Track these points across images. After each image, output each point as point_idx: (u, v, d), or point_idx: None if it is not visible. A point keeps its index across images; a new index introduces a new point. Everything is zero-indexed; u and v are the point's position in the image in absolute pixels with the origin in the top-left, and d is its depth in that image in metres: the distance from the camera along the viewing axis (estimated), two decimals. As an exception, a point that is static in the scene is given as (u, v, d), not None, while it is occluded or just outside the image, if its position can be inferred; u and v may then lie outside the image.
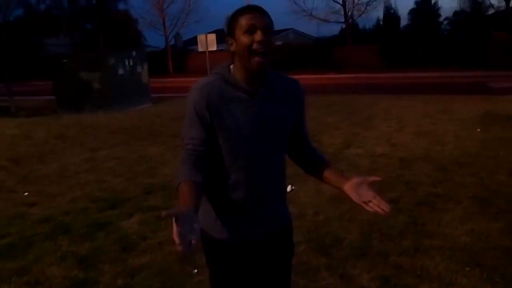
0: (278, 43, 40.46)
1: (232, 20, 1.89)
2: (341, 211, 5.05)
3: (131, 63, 16.68)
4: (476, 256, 3.92)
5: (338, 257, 3.99)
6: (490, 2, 35.51)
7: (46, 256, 4.29)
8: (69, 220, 5.21)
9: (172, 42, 44.93)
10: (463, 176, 6.22)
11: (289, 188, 5.51)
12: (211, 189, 2.02)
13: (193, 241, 1.54)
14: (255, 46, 1.83)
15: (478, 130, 9.23)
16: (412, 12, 37.92)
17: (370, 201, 1.90)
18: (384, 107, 13.23)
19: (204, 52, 20.88)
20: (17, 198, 6.13)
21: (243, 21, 1.84)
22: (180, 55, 41.86)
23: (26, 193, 6.30)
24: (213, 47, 20.44)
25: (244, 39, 1.84)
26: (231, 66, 1.98)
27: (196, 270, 3.85)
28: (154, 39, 64.33)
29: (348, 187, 1.97)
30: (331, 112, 12.45)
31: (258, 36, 1.83)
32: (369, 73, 28.85)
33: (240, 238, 2.06)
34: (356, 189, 1.94)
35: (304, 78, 25.45)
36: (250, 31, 1.83)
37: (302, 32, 50.39)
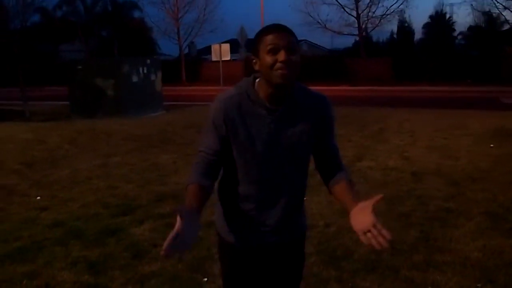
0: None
1: (257, 39, 1.92)
2: (352, 224, 5.02)
3: (145, 71, 16.80)
4: (488, 272, 3.89)
5: (348, 269, 3.97)
6: (505, 18, 35.23)
7: (57, 260, 4.32)
8: (80, 225, 5.24)
9: (186, 51, 45.21)
10: (476, 191, 6.18)
11: None
12: (224, 195, 2.15)
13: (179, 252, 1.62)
14: (277, 65, 1.84)
15: (491, 145, 9.17)
16: (426, 26, 37.80)
17: (369, 231, 1.70)
18: (397, 120, 13.20)
19: (217, 62, 21.01)
20: (30, 202, 6.18)
21: (267, 41, 1.87)
22: (194, 64, 42.04)
23: (38, 197, 6.35)
24: (227, 57, 20.56)
25: (268, 59, 1.86)
26: (257, 81, 2.00)
27: (206, 279, 3.86)
28: (168, 48, 64.86)
29: (352, 213, 1.83)
30: (343, 124, 12.42)
31: (281, 56, 1.84)
32: (382, 86, 28.81)
33: (248, 244, 2.14)
34: (357, 215, 1.79)
35: (316, 89, 25.36)
36: (274, 50, 1.85)
37: (316, 44, 50.45)
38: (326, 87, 27.55)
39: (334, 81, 32.72)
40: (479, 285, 3.68)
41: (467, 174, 7.08)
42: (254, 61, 1.95)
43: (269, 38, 1.87)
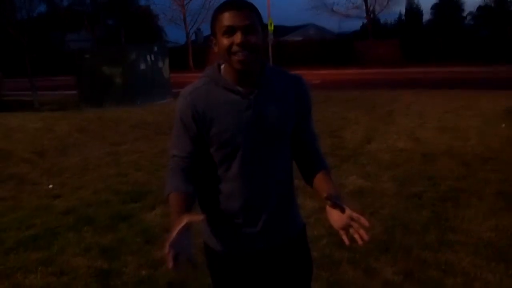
0: (298, 38, 40.40)
1: (213, 19, 1.75)
2: (364, 205, 5.02)
3: (152, 58, 16.77)
4: (501, 251, 3.88)
5: (361, 250, 3.96)
6: (514, -4, 34.82)
7: (70, 247, 4.36)
8: (92, 212, 5.28)
9: (193, 38, 45.09)
10: (487, 171, 6.14)
11: None
12: (205, 200, 1.91)
13: (183, 258, 1.49)
14: (234, 49, 1.68)
15: (503, 125, 9.08)
16: (435, 7, 37.51)
17: (350, 226, 1.60)
18: (406, 102, 13.11)
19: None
20: (41, 190, 6.22)
21: (222, 21, 1.69)
22: (201, 51, 41.94)
23: (50, 185, 6.39)
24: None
25: (224, 41, 1.69)
26: (222, 67, 1.84)
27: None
28: (175, 35, 64.63)
29: (328, 209, 1.68)
30: (351, 107, 12.37)
31: (237, 38, 1.67)
32: (390, 68, 28.60)
33: (236, 251, 1.92)
34: (333, 212, 1.65)
35: (324, 73, 25.38)
36: (230, 31, 1.68)
37: (323, 28, 50.13)
38: (335, 70, 27.45)
39: (342, 64, 32.54)
40: (492, 264, 3.66)
41: (478, 154, 7.03)
42: (213, 42, 1.77)
43: (225, 17, 1.68)
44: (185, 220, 1.53)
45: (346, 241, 1.63)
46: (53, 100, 18.00)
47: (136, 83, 16.02)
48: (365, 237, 1.57)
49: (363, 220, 1.57)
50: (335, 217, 1.64)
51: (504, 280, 3.44)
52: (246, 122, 1.76)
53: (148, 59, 16.62)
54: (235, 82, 1.77)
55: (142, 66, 16.38)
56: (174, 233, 1.50)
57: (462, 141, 8.01)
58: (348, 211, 1.59)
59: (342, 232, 1.64)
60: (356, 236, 1.59)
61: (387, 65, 30.17)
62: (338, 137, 8.60)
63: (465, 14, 37.42)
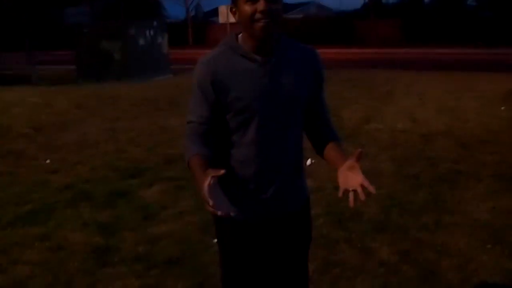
0: (299, 16, 40.04)
1: None
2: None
3: (151, 34, 16.64)
4: (497, 233, 3.89)
5: (357, 230, 3.99)
6: (518, -23, 34.40)
7: (68, 222, 4.37)
8: (90, 188, 5.28)
9: (193, 14, 44.68)
10: (485, 153, 6.14)
11: (308, 162, 5.48)
12: (219, 164, 1.88)
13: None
14: (257, 16, 1.73)
15: (503, 108, 9.06)
16: (437, -13, 37.06)
17: (354, 190, 1.69)
18: (405, 82, 13.04)
19: (225, 24, 20.75)
20: (39, 166, 6.22)
21: None
22: (201, 27, 41.62)
23: (48, 161, 6.38)
24: (235, 19, 20.28)
25: (246, 8, 1.74)
26: (239, 36, 1.89)
27: (215, 240, 3.87)
28: (175, 10, 64.00)
29: (340, 170, 1.76)
30: (351, 86, 12.32)
31: (260, 5, 1.72)
32: (391, 48, 28.41)
33: (252, 217, 1.97)
34: (345, 172, 1.73)
35: (324, 52, 25.13)
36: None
37: (325, 6, 49.73)
38: (334, 49, 27.26)
39: (342, 43, 32.30)
40: (488, 246, 3.68)
41: (477, 136, 7.03)
42: (233, 10, 1.83)
43: None
44: (210, 174, 1.59)
45: (350, 203, 1.71)
46: (51, 75, 17.88)
47: (135, 58, 15.93)
48: (371, 190, 1.66)
49: (371, 188, 1.66)
50: (348, 177, 1.71)
51: (500, 261, 3.46)
52: (263, 89, 1.82)
53: (147, 34, 16.50)
54: (252, 51, 1.83)
55: (141, 42, 16.28)
56: (205, 187, 1.56)
57: (461, 122, 8.00)
58: (361, 177, 1.67)
59: (343, 191, 1.72)
60: (361, 193, 1.66)
61: (388, 45, 29.98)
62: (336, 117, 8.56)
63: (467, -5, 37.01)
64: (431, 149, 6.44)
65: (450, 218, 4.20)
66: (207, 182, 1.57)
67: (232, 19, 20.21)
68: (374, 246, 3.73)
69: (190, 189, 4.98)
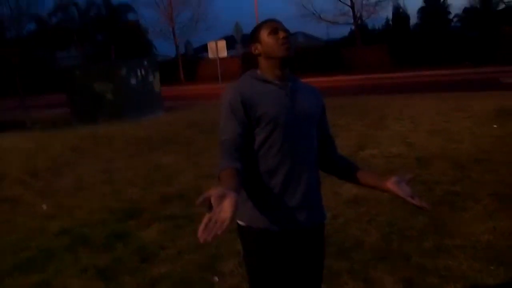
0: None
1: (256, 29, 2.20)
2: (360, 214, 5.02)
3: (143, 73, 16.75)
4: (500, 254, 3.87)
5: (359, 260, 3.95)
6: (500, -3, 35.08)
7: (66, 268, 4.31)
8: (88, 231, 5.23)
9: (183, 51, 45.13)
10: (482, 173, 6.15)
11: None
12: (249, 180, 2.11)
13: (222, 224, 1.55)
14: (281, 41, 2.11)
15: (495, 126, 9.12)
16: (421, 11, 37.76)
17: (412, 197, 2.02)
18: (397, 107, 13.15)
19: (215, 59, 20.92)
20: (36, 212, 6.17)
21: (267, 26, 2.15)
22: (191, 63, 42.00)
23: (44, 206, 6.34)
24: (224, 54, 20.46)
25: (271, 39, 2.12)
26: (257, 71, 2.20)
27: (217, 278, 3.84)
28: (165, 48, 64.77)
29: (392, 184, 2.10)
30: (342, 114, 12.38)
31: (281, 34, 2.12)
32: (380, 73, 28.71)
33: (281, 225, 2.11)
34: (399, 186, 2.08)
35: (313, 81, 25.39)
36: (274, 32, 2.13)
37: (311, 35, 50.36)
38: (323, 78, 27.50)
39: (330, 71, 32.60)
40: (492, 267, 3.66)
41: (472, 156, 7.05)
42: (254, 47, 2.18)
43: (268, 24, 2.17)
44: (222, 192, 1.63)
45: (417, 203, 2.02)
46: (45, 119, 17.92)
47: (127, 98, 15.99)
48: (427, 206, 2.04)
49: (423, 202, 2.05)
50: (403, 188, 2.08)
51: (505, 283, 3.43)
52: (286, 105, 2.11)
53: (139, 73, 16.60)
54: (271, 78, 2.15)
55: (133, 81, 16.36)
56: (214, 193, 1.61)
57: (455, 143, 8.04)
58: (410, 191, 2.06)
59: (409, 198, 2.03)
60: (423, 203, 2.02)
61: (375, 70, 30.29)
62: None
63: (451, 16, 37.67)
64: (427, 172, 6.44)
65: (451, 241, 4.18)
66: (219, 192, 1.61)
67: (222, 54, 20.42)
68: (377, 275, 3.69)
69: (188, 227, 4.95)
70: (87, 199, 6.56)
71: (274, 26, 2.15)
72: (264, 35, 2.15)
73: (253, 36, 2.21)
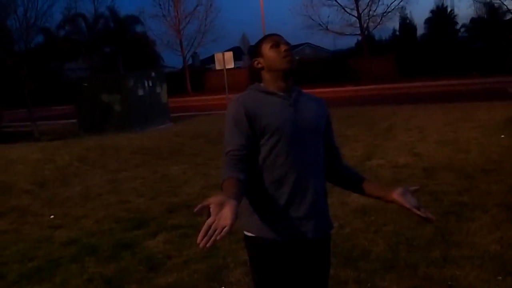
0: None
1: (258, 44, 2.23)
2: (367, 223, 5.00)
3: (150, 84, 16.84)
4: (507, 264, 3.84)
5: (366, 269, 3.94)
6: (507, 7, 34.95)
7: (73, 278, 4.32)
8: (94, 241, 5.25)
9: (190, 62, 45.33)
10: (489, 183, 6.12)
11: None
12: (256, 191, 2.11)
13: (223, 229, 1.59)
14: (283, 53, 2.14)
15: (502, 136, 9.09)
16: (428, 21, 37.71)
17: (418, 209, 2.03)
18: (404, 117, 13.13)
19: (221, 70, 21.00)
20: (43, 222, 6.19)
21: (268, 40, 2.19)
22: (198, 74, 42.17)
23: (52, 216, 6.36)
24: (231, 65, 20.54)
25: (273, 52, 2.16)
26: (261, 84, 2.22)
27: (223, 287, 3.84)
28: (172, 60, 65.22)
29: (397, 195, 2.10)
30: (350, 124, 12.38)
31: (283, 47, 2.15)
32: (387, 83, 28.69)
33: (287, 235, 2.10)
34: (405, 197, 2.08)
35: (320, 92, 25.42)
36: (276, 45, 2.16)
37: (318, 46, 50.43)
38: (330, 88, 27.53)
39: (337, 82, 32.63)
40: (499, 277, 3.63)
41: (480, 166, 7.02)
42: (256, 62, 2.21)
43: (269, 38, 2.21)
44: (221, 200, 1.67)
45: (422, 215, 2.04)
46: (52, 130, 18.01)
47: (135, 109, 16.06)
48: (432, 217, 2.07)
49: (429, 214, 2.08)
50: (409, 199, 2.08)
51: (512, 293, 3.41)
52: (289, 116, 2.11)
53: (146, 85, 16.68)
54: (275, 90, 2.17)
55: (140, 92, 16.44)
56: (213, 201, 1.65)
57: (463, 153, 8.01)
58: (418, 201, 2.09)
59: (414, 209, 2.05)
60: (428, 214, 2.05)
61: (383, 81, 30.27)
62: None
63: (458, 26, 37.62)
64: (434, 182, 6.42)
65: (458, 251, 4.16)
66: (219, 200, 1.65)
67: (229, 65, 20.51)
68: (383, 285, 3.67)
69: (195, 237, 4.93)
70: (94, 209, 6.58)
71: (276, 40, 2.18)
72: (266, 49, 2.18)
73: (255, 51, 2.24)
